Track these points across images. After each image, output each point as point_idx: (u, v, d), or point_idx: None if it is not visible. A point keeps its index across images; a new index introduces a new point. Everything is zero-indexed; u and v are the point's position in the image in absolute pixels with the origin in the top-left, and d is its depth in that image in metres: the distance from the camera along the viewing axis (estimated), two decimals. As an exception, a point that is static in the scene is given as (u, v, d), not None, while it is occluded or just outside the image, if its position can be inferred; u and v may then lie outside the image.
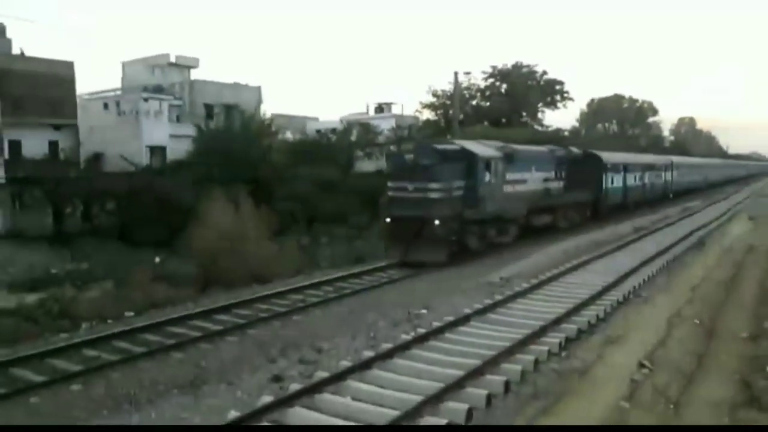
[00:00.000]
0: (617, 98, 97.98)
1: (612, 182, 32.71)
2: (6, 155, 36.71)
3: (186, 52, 53.86)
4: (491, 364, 9.56)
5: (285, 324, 13.13)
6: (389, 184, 19.81)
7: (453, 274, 18.04)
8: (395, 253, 19.65)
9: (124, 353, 11.29)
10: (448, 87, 56.90)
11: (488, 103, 65.65)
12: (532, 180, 24.58)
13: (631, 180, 35.90)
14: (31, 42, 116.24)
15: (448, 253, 19.40)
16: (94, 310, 15.42)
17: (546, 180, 25.83)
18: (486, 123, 58.16)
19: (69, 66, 39.83)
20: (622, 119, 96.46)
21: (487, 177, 20.55)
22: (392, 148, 22.33)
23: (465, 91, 62.18)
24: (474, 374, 9.09)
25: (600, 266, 18.25)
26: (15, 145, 37.75)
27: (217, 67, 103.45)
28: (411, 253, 19.08)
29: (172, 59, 49.82)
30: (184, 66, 50.54)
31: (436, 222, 18.48)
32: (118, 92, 45.72)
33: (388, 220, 19.59)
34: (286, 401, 8.25)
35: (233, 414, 7.87)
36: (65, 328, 14.11)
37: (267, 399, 8.31)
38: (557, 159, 27.14)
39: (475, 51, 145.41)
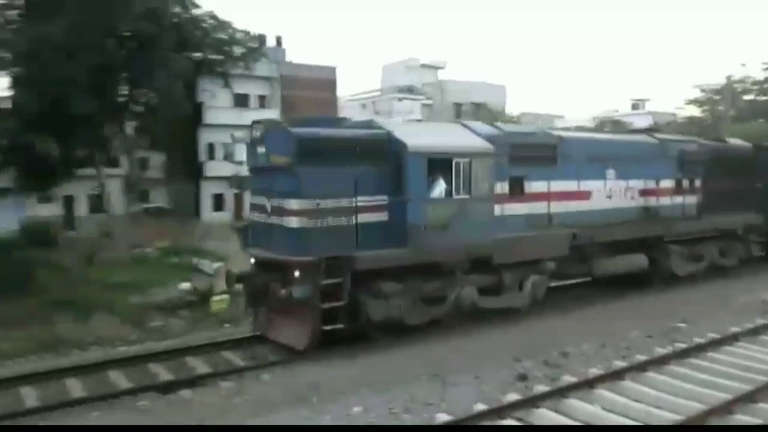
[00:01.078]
0: None
1: None
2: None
3: (435, 53, 56.04)
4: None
5: (530, 325, 12.99)
6: (250, 198, 12.60)
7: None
8: (254, 321, 12.47)
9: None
10: (718, 81, 51.59)
11: (766, 98, 58.02)
12: (605, 192, 14.99)
13: None
14: (301, 49, 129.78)
15: (313, 332, 10.86)
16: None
17: (646, 193, 15.92)
18: (761, 120, 51.51)
19: (332, 71, 44.21)
20: None
21: (438, 188, 11.74)
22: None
23: (737, 85, 55.72)
24: (743, 399, 8.20)
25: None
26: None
27: (465, 67, 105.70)
28: (266, 323, 11.97)
29: (424, 61, 52.23)
30: (433, 67, 52.69)
31: (296, 272, 10.68)
32: (375, 93, 49.24)
33: (252, 260, 12.11)
34: (532, 401, 8.24)
35: (480, 406, 8.07)
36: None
37: (513, 397, 8.39)
38: (681, 157, 16.72)
39: (750, 40, 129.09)
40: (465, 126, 13.26)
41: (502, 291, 12.99)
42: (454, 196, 11.83)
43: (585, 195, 14.54)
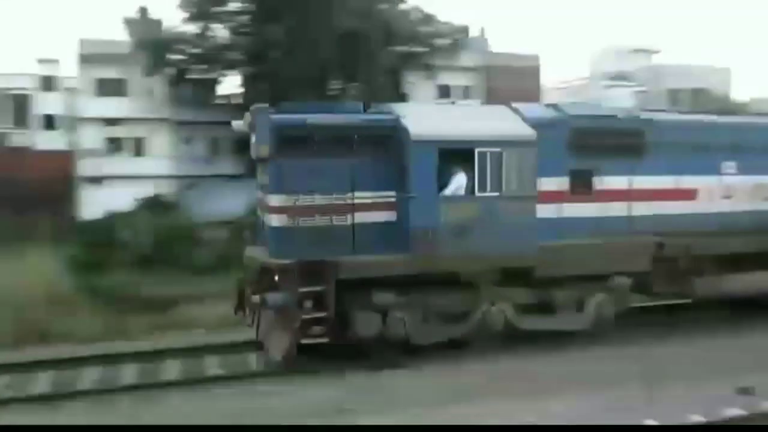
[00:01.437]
0: None
1: None
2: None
3: (647, 39, 52.71)
4: None
5: (757, 335, 11.74)
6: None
7: None
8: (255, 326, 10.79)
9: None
10: None
11: None
12: (719, 190, 12.07)
13: None
14: (503, 40, 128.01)
15: (290, 344, 9.67)
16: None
17: None
18: None
19: (535, 59, 43.44)
20: None
21: (456, 184, 10.06)
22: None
23: None
24: None
25: None
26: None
27: (684, 52, 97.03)
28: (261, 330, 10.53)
29: (636, 46, 49.54)
30: (647, 51, 49.76)
31: (276, 277, 9.62)
32: (583, 81, 47.66)
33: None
34: (759, 417, 7.51)
35: (695, 418, 7.53)
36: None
37: (733, 411, 7.69)
38: None
39: None
40: (513, 109, 11.06)
41: (554, 310, 10.79)
42: (477, 194, 10.01)
43: (687, 194, 11.78)
